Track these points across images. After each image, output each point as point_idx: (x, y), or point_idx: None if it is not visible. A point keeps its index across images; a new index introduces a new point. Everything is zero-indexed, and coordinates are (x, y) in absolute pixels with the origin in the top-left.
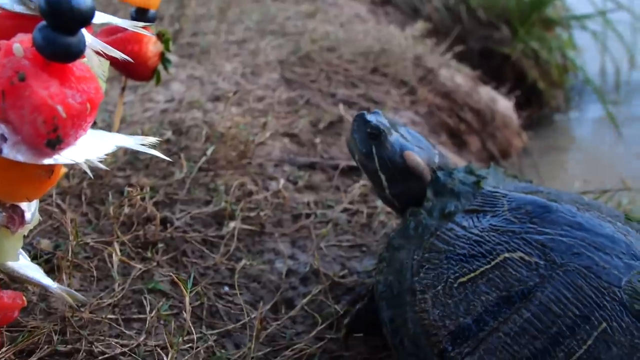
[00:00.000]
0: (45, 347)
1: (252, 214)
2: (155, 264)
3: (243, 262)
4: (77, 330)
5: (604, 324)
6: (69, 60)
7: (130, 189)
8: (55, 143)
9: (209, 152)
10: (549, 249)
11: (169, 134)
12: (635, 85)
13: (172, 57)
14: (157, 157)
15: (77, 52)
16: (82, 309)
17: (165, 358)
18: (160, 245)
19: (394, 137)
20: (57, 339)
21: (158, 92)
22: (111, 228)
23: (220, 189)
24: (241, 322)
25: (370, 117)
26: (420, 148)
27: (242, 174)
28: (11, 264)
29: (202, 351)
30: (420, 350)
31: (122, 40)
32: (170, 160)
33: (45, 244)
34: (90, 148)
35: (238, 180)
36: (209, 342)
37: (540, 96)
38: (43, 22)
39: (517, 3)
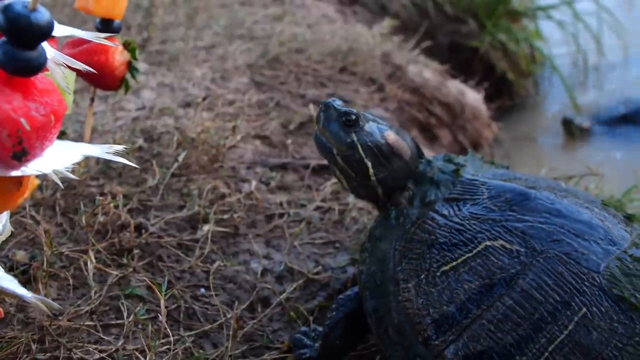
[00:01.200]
0: (24, 356)
1: (226, 217)
2: (131, 269)
3: (217, 263)
4: (55, 338)
5: (584, 309)
6: (30, 75)
7: (101, 197)
8: (21, 155)
9: (180, 158)
10: (529, 237)
11: (140, 141)
12: (605, 70)
13: (141, 65)
14: (128, 165)
15: (37, 66)
16: (60, 317)
17: None
18: (135, 251)
19: (368, 118)
20: (36, 347)
21: (129, 101)
22: (86, 237)
23: (194, 194)
24: (218, 322)
25: (337, 105)
26: (393, 128)
27: (215, 177)
28: None
29: (180, 352)
30: (405, 339)
31: (87, 51)
32: (140, 167)
33: (20, 255)
34: (57, 159)
35: (211, 184)
36: (187, 344)
37: (510, 87)
38: (3, 38)
39: None
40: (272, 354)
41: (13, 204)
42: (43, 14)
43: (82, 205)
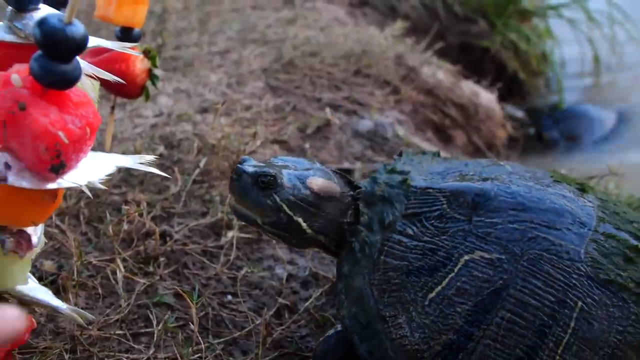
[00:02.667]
0: None
1: None
2: (158, 277)
3: (244, 270)
4: (87, 347)
5: (580, 303)
6: (66, 87)
7: (126, 206)
8: (59, 168)
9: (202, 164)
10: (504, 241)
11: (161, 148)
12: (617, 69)
13: (157, 71)
14: (155, 174)
15: (73, 79)
16: (90, 327)
17: None
18: (161, 259)
19: (286, 173)
20: (69, 357)
21: (146, 108)
22: (111, 245)
23: (216, 200)
24: (247, 329)
25: (249, 169)
26: (310, 169)
27: None
28: (21, 287)
29: None
30: None
31: (109, 60)
32: (167, 175)
33: (48, 265)
34: (91, 170)
35: None
36: (217, 351)
37: (522, 86)
38: (39, 52)
39: None
40: None
41: (47, 216)
42: (78, 27)
43: (107, 214)
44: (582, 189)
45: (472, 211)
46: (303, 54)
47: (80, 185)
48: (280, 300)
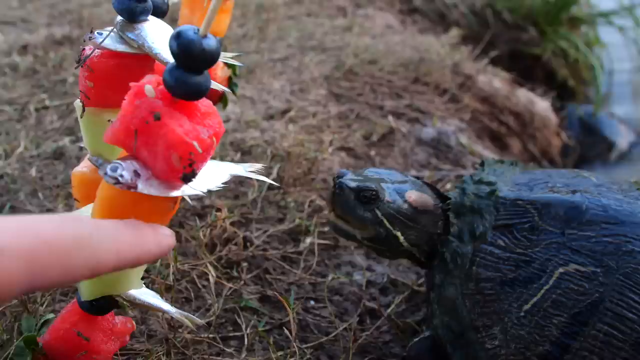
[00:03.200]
0: None
1: (326, 229)
2: (242, 282)
3: (329, 276)
4: (181, 350)
5: None
6: (199, 98)
7: (218, 214)
8: (190, 176)
9: (275, 171)
10: (599, 254)
11: (235, 155)
12: None
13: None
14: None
15: (205, 90)
16: (180, 330)
17: None
18: (243, 264)
19: (386, 187)
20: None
21: None
22: (194, 250)
23: (291, 206)
24: (332, 334)
25: (351, 184)
26: (406, 182)
27: (309, 190)
28: (133, 291)
29: None
30: None
31: None
32: (277, 185)
33: None
34: (208, 178)
35: (308, 197)
36: (307, 356)
37: (573, 94)
38: (172, 64)
39: (542, 3)
40: None
41: (168, 221)
42: (212, 40)
43: (196, 220)
44: None
45: (565, 224)
46: (362, 61)
47: (203, 193)
48: (360, 306)
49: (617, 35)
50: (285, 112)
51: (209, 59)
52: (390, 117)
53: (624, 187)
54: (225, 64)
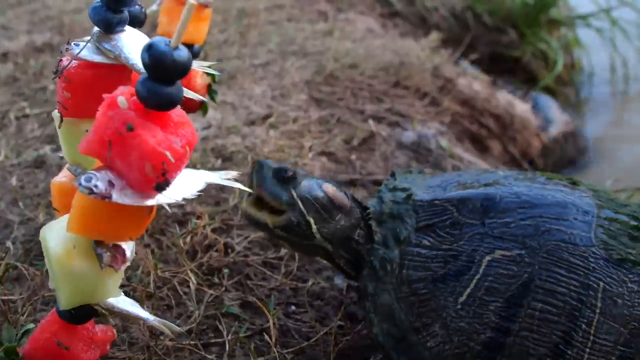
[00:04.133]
0: None
1: None
2: (223, 289)
3: (311, 282)
4: (162, 357)
5: (602, 284)
6: (171, 108)
7: (197, 221)
8: (164, 186)
9: None
10: (521, 237)
11: (216, 162)
12: None
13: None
14: (210, 184)
15: (178, 100)
16: (162, 337)
17: None
18: (224, 270)
19: (303, 174)
20: None
21: (194, 120)
22: (175, 257)
23: None
24: (313, 339)
25: (270, 162)
26: (328, 181)
27: None
28: (111, 300)
29: None
30: None
31: None
32: (250, 191)
33: None
34: (183, 186)
35: None
36: None
37: (552, 96)
38: (145, 75)
39: (522, 6)
40: None
41: (143, 231)
42: (183, 52)
43: (176, 227)
44: (574, 182)
45: (483, 215)
46: (343, 66)
47: (177, 201)
48: (341, 310)
49: (596, 37)
50: (266, 117)
51: (180, 70)
52: (370, 121)
53: (529, 176)
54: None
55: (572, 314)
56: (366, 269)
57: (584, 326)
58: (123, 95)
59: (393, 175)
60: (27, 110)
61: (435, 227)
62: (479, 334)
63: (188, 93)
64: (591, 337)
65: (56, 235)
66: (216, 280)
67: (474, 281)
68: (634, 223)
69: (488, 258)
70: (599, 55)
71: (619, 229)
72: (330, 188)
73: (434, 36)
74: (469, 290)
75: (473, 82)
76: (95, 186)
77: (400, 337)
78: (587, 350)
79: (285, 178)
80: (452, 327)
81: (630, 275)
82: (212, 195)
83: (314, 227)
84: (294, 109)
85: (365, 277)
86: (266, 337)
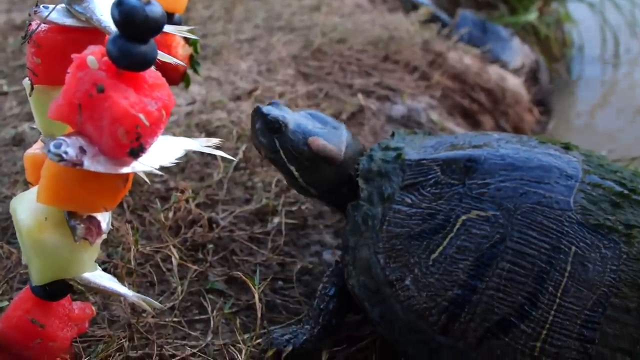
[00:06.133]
0: (117, 354)
1: (294, 209)
2: (207, 264)
3: (299, 265)
4: (144, 335)
5: (574, 248)
6: (144, 69)
7: (179, 194)
8: (138, 151)
9: (241, 151)
10: (498, 199)
11: (199, 136)
12: (636, 53)
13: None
14: (194, 159)
15: (151, 60)
16: (144, 314)
17: (238, 355)
18: (209, 246)
19: (295, 124)
20: (128, 345)
21: (179, 96)
22: (158, 234)
23: (258, 186)
24: (302, 315)
25: (266, 110)
26: (325, 130)
27: (276, 169)
28: (87, 275)
29: None
30: (423, 334)
31: None
32: (233, 159)
33: (98, 253)
34: (161, 153)
35: (274, 177)
36: None
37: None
38: (116, 33)
39: None
40: (358, 345)
41: (119, 201)
42: (157, 6)
43: (158, 203)
44: (567, 147)
45: (465, 175)
46: (331, 40)
47: (153, 169)
48: None
49: (588, 12)
50: (252, 92)
51: (154, 26)
52: (359, 95)
53: (523, 139)
54: (186, 41)
55: (540, 276)
56: (349, 224)
57: (550, 289)
58: (93, 55)
59: (392, 135)
60: (5, 88)
61: (419, 186)
62: (447, 291)
63: (170, 58)
64: (557, 300)
65: (26, 207)
66: (200, 256)
67: (447, 239)
68: (618, 189)
69: (463, 217)
70: (590, 30)
71: (601, 195)
72: (316, 142)
73: (424, 10)
74: (441, 248)
75: (464, 56)
76: (65, 152)
77: (375, 289)
78: (552, 312)
79: (271, 128)
80: (422, 282)
81: (605, 241)
82: (197, 170)
83: (295, 173)
84: (280, 84)
85: (347, 231)
86: (253, 313)
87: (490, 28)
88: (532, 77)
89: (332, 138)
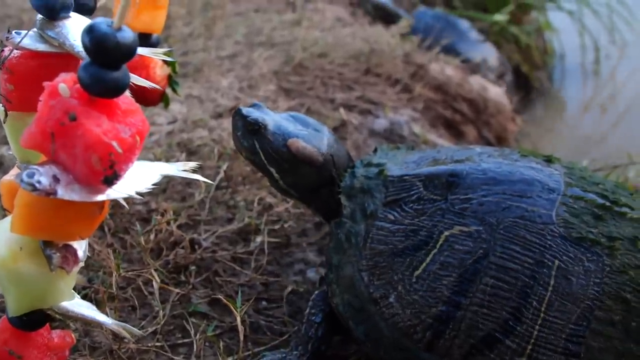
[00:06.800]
0: None
1: (277, 227)
2: (190, 286)
3: (277, 276)
4: None
5: (557, 261)
6: (117, 95)
7: (158, 217)
8: (113, 179)
9: (223, 170)
10: (480, 214)
11: (180, 155)
12: (616, 59)
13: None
14: (175, 180)
15: (124, 86)
16: (126, 340)
17: None
18: (191, 267)
19: (275, 126)
20: None
21: (160, 115)
22: (139, 256)
23: (241, 205)
24: (286, 335)
25: (247, 112)
26: (305, 132)
27: (259, 187)
28: (65, 303)
29: None
30: (408, 352)
31: (127, 67)
32: (211, 182)
33: (78, 279)
34: (137, 179)
35: (257, 195)
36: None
37: (526, 80)
38: (87, 60)
39: None
40: None
41: (94, 228)
42: (128, 33)
43: (137, 225)
44: (549, 159)
45: (447, 191)
46: (312, 55)
47: (130, 196)
48: None
49: (568, 20)
50: (233, 109)
51: (125, 52)
52: (341, 110)
53: (505, 153)
54: (165, 61)
55: (523, 291)
56: (332, 242)
57: (534, 303)
58: (65, 83)
59: (375, 151)
60: None
61: (401, 202)
62: (431, 307)
63: (145, 82)
64: (542, 315)
65: (1, 237)
66: (183, 278)
67: (430, 255)
68: (600, 202)
69: (446, 233)
70: (571, 38)
71: (583, 208)
72: (296, 144)
73: (404, 23)
74: (424, 264)
75: (445, 67)
76: (39, 182)
77: (359, 307)
78: (537, 327)
79: (250, 130)
80: (406, 299)
81: (588, 254)
82: (178, 190)
83: (275, 175)
84: (262, 100)
85: (331, 249)
86: (237, 335)
87: (449, 21)
88: (498, 73)
89: (313, 140)
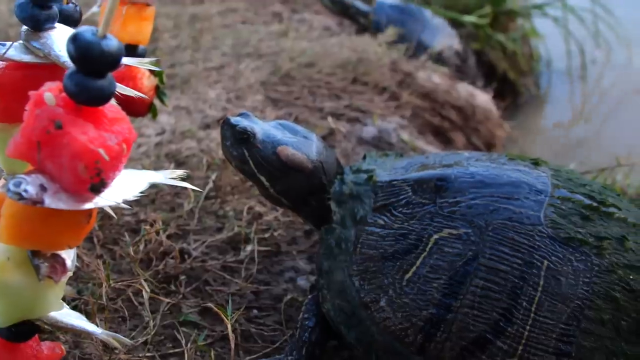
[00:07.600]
0: None
1: (266, 235)
2: (180, 296)
3: (267, 285)
4: None
5: (546, 262)
6: (103, 103)
7: (147, 227)
8: (100, 187)
9: (211, 180)
10: (469, 216)
11: (169, 166)
12: (601, 64)
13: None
14: (164, 190)
15: (110, 94)
16: (116, 351)
17: None
18: (181, 277)
19: (264, 134)
20: None
21: (147, 126)
22: (129, 267)
23: (230, 215)
24: (277, 343)
25: (235, 121)
26: (294, 139)
27: (248, 197)
28: (54, 313)
29: None
30: (400, 356)
31: (115, 77)
32: (200, 190)
33: (68, 290)
34: (124, 188)
35: (246, 204)
36: None
37: (513, 86)
38: (72, 69)
39: None
40: None
41: (83, 237)
42: (113, 41)
43: (126, 236)
44: (536, 162)
45: (436, 195)
46: (299, 65)
47: (117, 204)
48: None
49: (553, 26)
50: (221, 120)
51: (111, 60)
52: (329, 119)
53: (493, 157)
54: (152, 72)
55: (513, 292)
56: (322, 248)
57: (525, 304)
58: (51, 92)
59: (364, 157)
60: None
61: (390, 207)
62: (422, 310)
63: (133, 92)
64: (532, 315)
65: None
66: (173, 288)
67: (420, 259)
68: (587, 202)
69: (436, 236)
70: (556, 44)
71: (570, 208)
72: (285, 151)
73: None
74: (414, 268)
75: (432, 74)
76: (25, 191)
77: (350, 312)
78: (528, 327)
79: (239, 138)
80: (397, 303)
81: (577, 254)
82: (167, 200)
83: (266, 183)
84: (250, 110)
85: (321, 255)
86: (228, 344)
87: (409, 10)
88: (459, 60)
89: (302, 147)
